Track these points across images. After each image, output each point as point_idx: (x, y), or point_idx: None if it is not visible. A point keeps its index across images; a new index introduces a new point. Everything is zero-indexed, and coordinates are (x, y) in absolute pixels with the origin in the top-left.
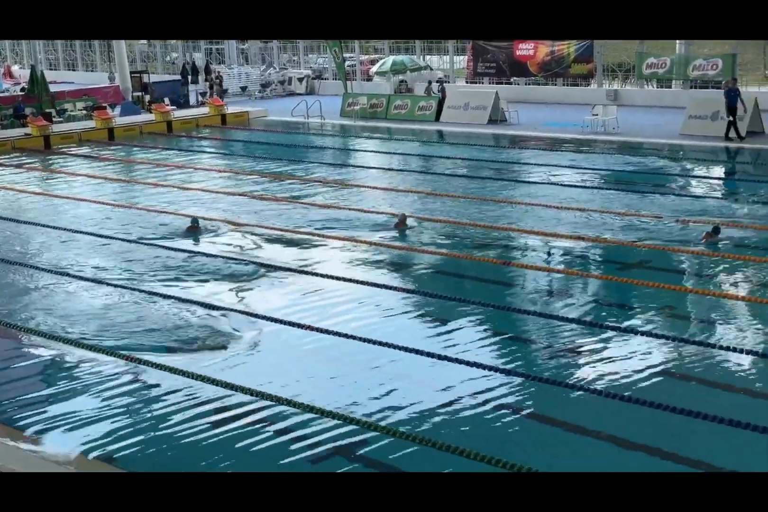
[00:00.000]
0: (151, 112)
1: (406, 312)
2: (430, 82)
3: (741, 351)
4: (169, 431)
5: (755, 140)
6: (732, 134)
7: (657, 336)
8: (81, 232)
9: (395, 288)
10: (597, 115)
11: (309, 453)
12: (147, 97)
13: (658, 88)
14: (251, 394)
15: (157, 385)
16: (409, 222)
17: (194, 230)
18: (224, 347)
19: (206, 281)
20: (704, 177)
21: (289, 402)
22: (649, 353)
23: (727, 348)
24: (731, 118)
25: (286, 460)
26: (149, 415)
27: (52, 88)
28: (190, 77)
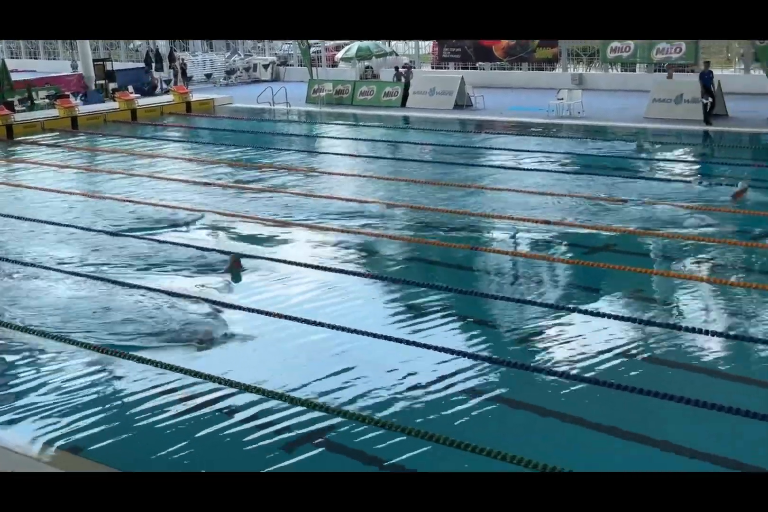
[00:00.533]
0: (114, 101)
1: (373, 299)
2: (397, 68)
3: (707, 333)
4: (136, 420)
5: (719, 123)
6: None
7: (624, 318)
8: (45, 222)
9: (363, 275)
10: (562, 99)
11: (277, 439)
12: (111, 85)
13: (622, 71)
14: (219, 382)
15: (125, 375)
16: (378, 208)
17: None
18: (192, 336)
19: (175, 271)
20: (669, 160)
21: (257, 390)
22: (617, 335)
23: (693, 330)
24: (709, 100)
25: (254, 446)
26: (117, 405)
27: (14, 77)
28: (154, 65)
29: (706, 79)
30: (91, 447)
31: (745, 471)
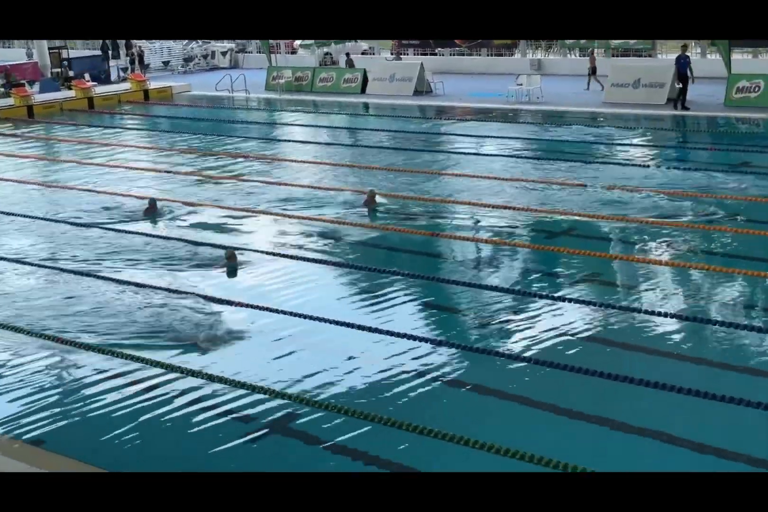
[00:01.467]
0: (70, 89)
1: (337, 286)
2: (348, 54)
3: (666, 315)
4: (98, 412)
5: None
6: (681, 104)
7: (584, 302)
8: (3, 213)
9: (326, 263)
10: (521, 84)
11: (245, 428)
12: (70, 73)
13: (580, 56)
14: (185, 373)
15: (85, 366)
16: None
17: (152, 211)
18: (159, 327)
19: (136, 261)
20: (627, 144)
21: (225, 380)
22: (577, 319)
23: (653, 313)
24: (681, 85)
25: (221, 435)
26: (76, 396)
27: None
28: (110, 52)
29: (682, 63)
30: (49, 438)
31: (720, 457)
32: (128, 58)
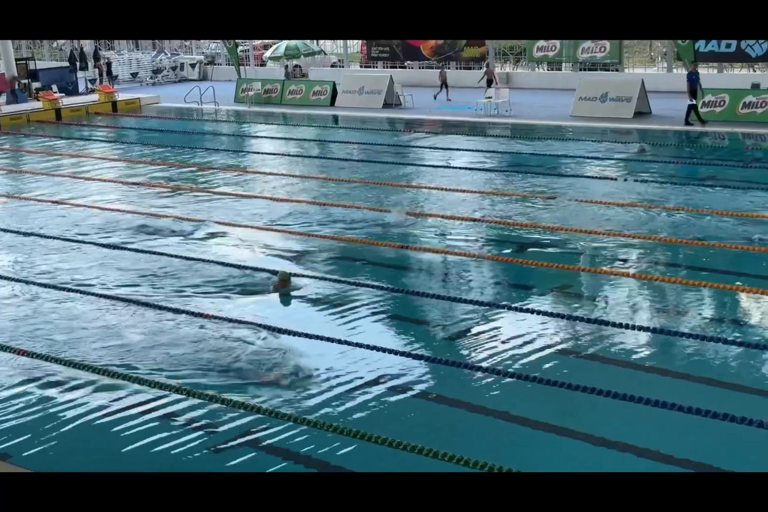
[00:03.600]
0: (38, 100)
1: (304, 298)
2: (286, 66)
3: (634, 328)
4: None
5: (642, 120)
6: (692, 119)
7: (553, 315)
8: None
9: (295, 275)
10: (490, 98)
11: (206, 440)
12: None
13: (548, 70)
14: (145, 383)
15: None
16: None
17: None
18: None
19: (89, 267)
20: (595, 158)
21: (178, 389)
22: (546, 332)
23: (621, 325)
24: (693, 102)
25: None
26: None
27: None
28: (78, 64)
29: (694, 79)
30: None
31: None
32: (96, 69)
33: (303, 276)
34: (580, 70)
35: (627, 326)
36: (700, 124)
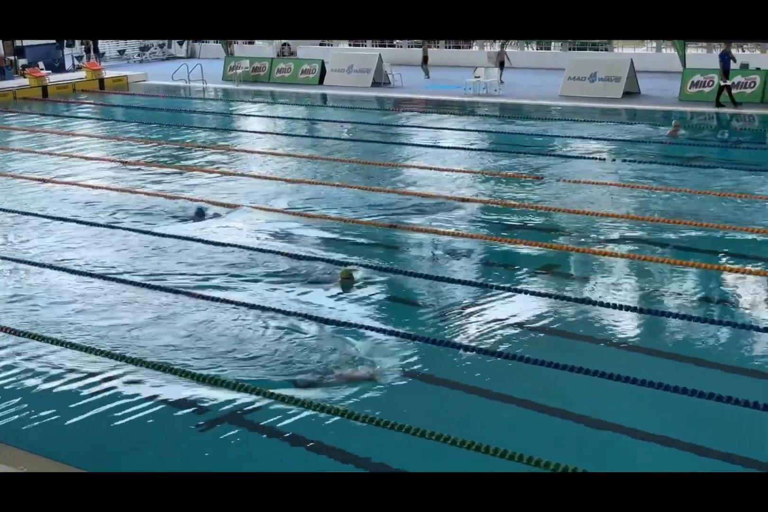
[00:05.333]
0: (24, 77)
1: (295, 277)
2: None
3: (621, 308)
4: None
5: (631, 100)
6: (724, 100)
7: (541, 294)
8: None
9: (284, 254)
10: (479, 77)
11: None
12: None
13: (538, 50)
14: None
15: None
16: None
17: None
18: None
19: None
20: (583, 138)
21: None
22: (533, 311)
23: (608, 305)
24: (726, 82)
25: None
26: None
27: None
28: (65, 41)
29: (726, 59)
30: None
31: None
32: (83, 46)
33: (295, 256)
34: (570, 49)
35: (613, 306)
36: (732, 106)
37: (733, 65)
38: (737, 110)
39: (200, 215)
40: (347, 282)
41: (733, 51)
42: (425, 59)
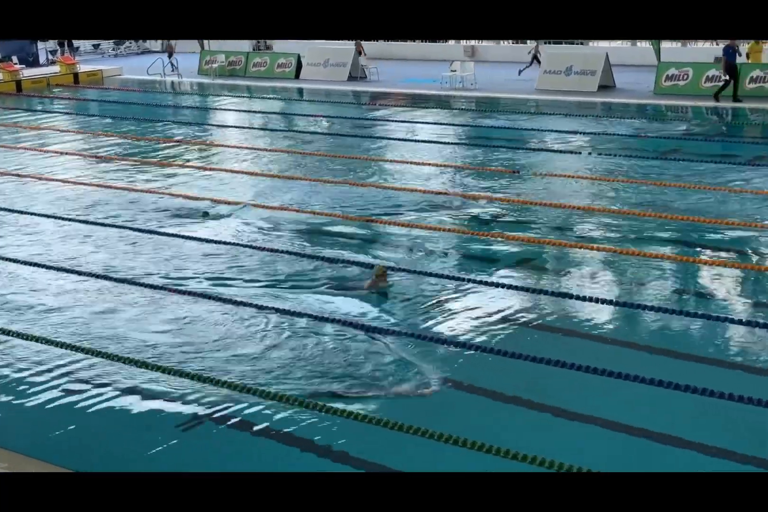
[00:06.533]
0: None
1: (269, 272)
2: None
3: (598, 301)
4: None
5: (606, 94)
6: (724, 93)
7: (518, 288)
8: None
9: (258, 248)
10: (455, 71)
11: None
12: None
13: (514, 43)
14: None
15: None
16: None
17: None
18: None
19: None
20: (559, 131)
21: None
22: (511, 304)
23: (585, 298)
24: (727, 78)
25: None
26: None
27: None
28: None
29: (731, 54)
30: None
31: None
32: (57, 40)
33: (270, 250)
34: (545, 43)
35: (591, 299)
36: (734, 102)
37: (706, 59)
38: (717, 104)
39: (205, 215)
40: (381, 280)
41: (707, 45)
42: (360, 53)
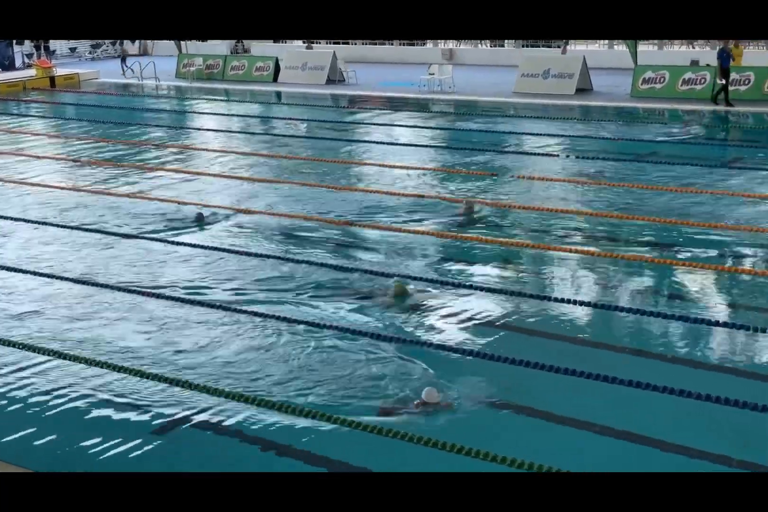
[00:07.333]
0: None
1: (253, 276)
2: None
3: (576, 303)
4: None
5: (583, 97)
6: (720, 97)
7: (496, 291)
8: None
9: (240, 253)
10: (433, 74)
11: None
12: None
13: (491, 47)
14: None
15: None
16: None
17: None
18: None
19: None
20: (536, 134)
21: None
22: (489, 307)
23: (563, 300)
24: (723, 81)
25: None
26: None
27: None
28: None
29: (725, 57)
30: None
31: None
32: (33, 43)
33: (249, 254)
34: (523, 46)
35: (569, 301)
36: (725, 104)
37: (682, 62)
38: (696, 107)
39: (199, 219)
40: (401, 298)
41: (683, 48)
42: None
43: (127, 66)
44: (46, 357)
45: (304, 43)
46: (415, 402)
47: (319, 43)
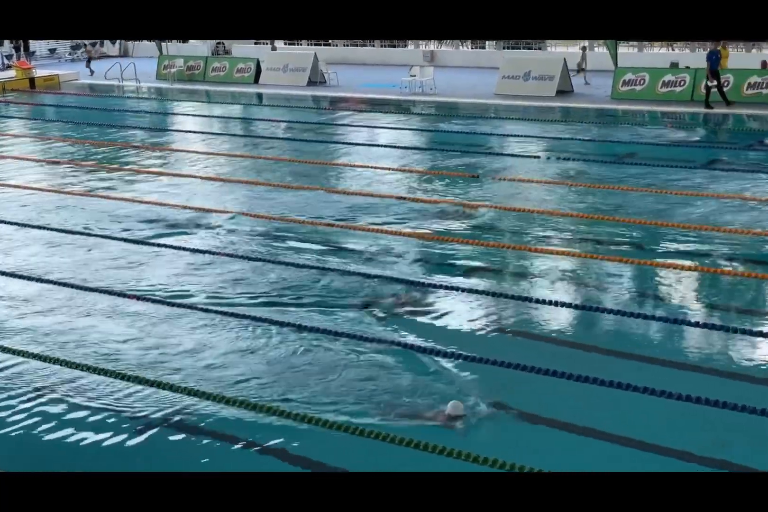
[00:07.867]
0: None
1: (239, 278)
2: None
3: (558, 304)
4: None
5: (564, 99)
6: (711, 100)
7: (479, 292)
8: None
9: (222, 254)
10: (415, 76)
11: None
12: None
13: (473, 48)
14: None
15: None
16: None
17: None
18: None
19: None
20: (518, 136)
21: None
22: (472, 309)
23: (546, 302)
24: (714, 83)
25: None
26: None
27: None
28: None
29: (714, 59)
30: None
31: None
32: (12, 44)
33: (230, 255)
34: (504, 48)
35: (551, 302)
36: (726, 105)
37: (662, 64)
38: (676, 109)
39: (197, 225)
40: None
41: (663, 50)
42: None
43: (91, 68)
44: (23, 359)
45: (285, 44)
46: (442, 415)
47: (300, 44)
